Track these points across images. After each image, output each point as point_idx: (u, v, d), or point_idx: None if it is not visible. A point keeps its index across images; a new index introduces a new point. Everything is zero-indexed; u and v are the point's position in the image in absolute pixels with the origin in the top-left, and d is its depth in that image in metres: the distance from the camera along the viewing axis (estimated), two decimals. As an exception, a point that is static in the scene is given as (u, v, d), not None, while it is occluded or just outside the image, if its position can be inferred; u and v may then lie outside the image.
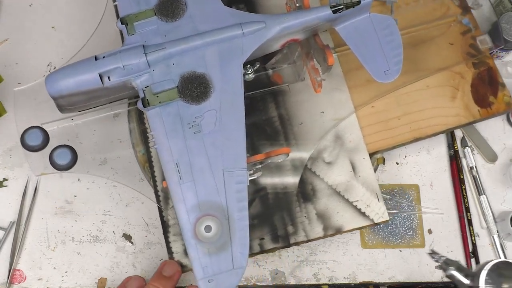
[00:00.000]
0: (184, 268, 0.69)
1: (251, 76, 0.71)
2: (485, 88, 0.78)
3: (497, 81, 0.79)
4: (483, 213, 0.77)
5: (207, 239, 0.55)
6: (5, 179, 0.75)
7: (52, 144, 0.65)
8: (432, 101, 0.77)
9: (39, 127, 0.64)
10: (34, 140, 0.64)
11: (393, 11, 0.80)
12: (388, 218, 0.71)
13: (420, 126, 0.76)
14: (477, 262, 0.75)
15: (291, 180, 0.71)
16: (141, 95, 0.58)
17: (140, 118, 0.74)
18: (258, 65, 0.70)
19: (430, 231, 0.76)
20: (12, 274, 0.71)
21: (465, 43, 0.80)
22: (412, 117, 0.76)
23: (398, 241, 0.76)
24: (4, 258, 0.72)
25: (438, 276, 0.74)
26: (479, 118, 0.77)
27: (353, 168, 0.73)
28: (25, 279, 0.72)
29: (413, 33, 0.80)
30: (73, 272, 0.72)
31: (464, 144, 0.80)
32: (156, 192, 0.71)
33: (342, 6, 0.61)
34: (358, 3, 0.61)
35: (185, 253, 0.69)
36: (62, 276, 0.72)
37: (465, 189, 0.78)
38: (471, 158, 0.79)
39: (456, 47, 0.79)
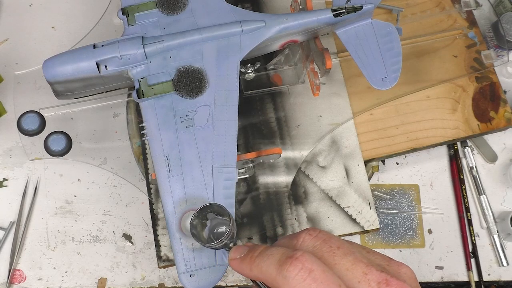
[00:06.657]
0: (169, 262, 0.69)
1: (251, 75, 0.71)
2: (486, 103, 0.78)
3: (499, 96, 0.78)
4: (483, 213, 0.76)
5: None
6: (5, 179, 0.75)
7: (48, 130, 0.65)
8: (432, 113, 0.77)
9: (36, 112, 0.64)
10: (30, 125, 0.64)
11: (399, 20, 0.79)
12: (378, 227, 0.71)
13: (418, 136, 0.76)
14: (477, 262, 0.75)
15: (284, 181, 0.71)
16: (137, 86, 0.58)
17: (138, 110, 0.73)
18: (258, 65, 0.70)
19: (430, 231, 0.76)
20: (12, 274, 0.71)
21: (469, 57, 0.79)
22: (410, 127, 0.76)
23: (398, 241, 0.75)
24: (4, 258, 0.72)
25: (438, 276, 0.74)
26: (478, 132, 0.76)
27: (347, 174, 0.73)
28: (25, 279, 0.72)
29: (418, 44, 0.79)
30: (73, 272, 0.72)
31: (464, 144, 0.79)
32: (148, 184, 0.72)
33: (344, 10, 0.61)
34: (360, 8, 0.61)
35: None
36: (62, 276, 0.72)
37: (465, 189, 0.77)
38: (471, 158, 0.78)
39: (460, 60, 0.79)
